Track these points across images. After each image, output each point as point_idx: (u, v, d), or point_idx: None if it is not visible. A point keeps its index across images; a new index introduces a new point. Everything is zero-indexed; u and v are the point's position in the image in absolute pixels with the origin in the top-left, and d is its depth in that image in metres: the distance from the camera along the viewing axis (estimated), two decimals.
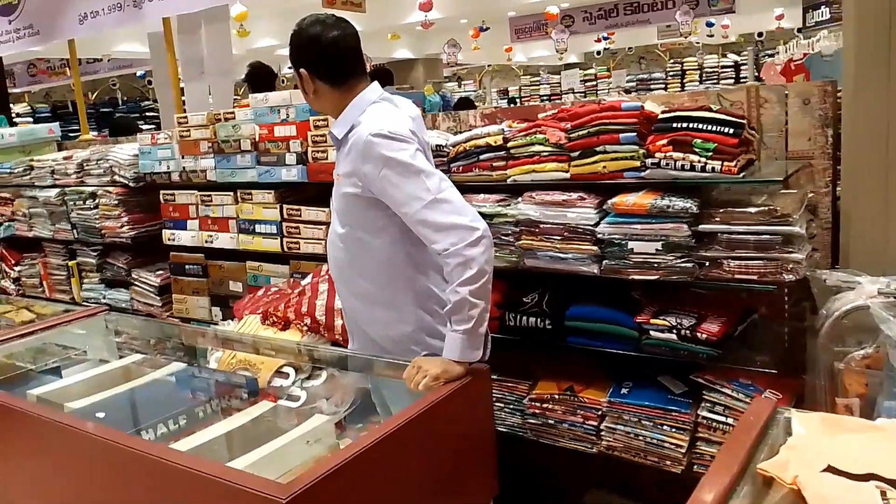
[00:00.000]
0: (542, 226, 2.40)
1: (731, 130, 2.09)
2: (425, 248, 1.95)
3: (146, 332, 2.91)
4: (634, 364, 2.47)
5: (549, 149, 2.41)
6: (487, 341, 2.05)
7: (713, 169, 2.11)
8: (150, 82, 13.38)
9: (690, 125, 2.14)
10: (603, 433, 2.45)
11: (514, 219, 2.47)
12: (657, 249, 2.21)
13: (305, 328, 2.69)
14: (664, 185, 2.25)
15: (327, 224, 3.00)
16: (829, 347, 2.07)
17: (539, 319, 2.52)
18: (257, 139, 3.15)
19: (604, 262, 2.32)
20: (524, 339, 2.54)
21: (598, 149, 2.31)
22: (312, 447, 1.79)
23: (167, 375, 2.17)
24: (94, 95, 12.65)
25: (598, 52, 15.62)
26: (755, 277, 2.10)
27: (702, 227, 2.15)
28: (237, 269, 3.44)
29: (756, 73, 13.49)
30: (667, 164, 2.18)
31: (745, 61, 14.73)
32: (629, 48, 15.64)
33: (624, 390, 2.43)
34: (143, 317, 3.72)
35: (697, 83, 14.70)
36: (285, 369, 2.64)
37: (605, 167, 2.31)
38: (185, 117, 3.41)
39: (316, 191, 3.28)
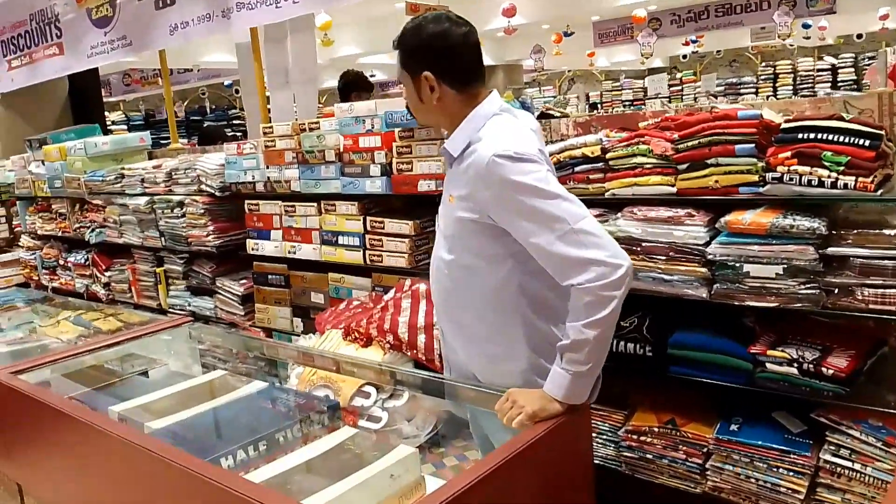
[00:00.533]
0: (644, 244, 2.22)
1: (867, 142, 1.86)
2: (543, 282, 1.75)
3: (229, 343, 2.88)
4: (744, 398, 2.25)
5: (652, 161, 2.23)
6: (597, 385, 1.87)
7: (845, 185, 1.88)
8: (237, 91, 13.78)
9: (819, 136, 1.92)
10: (708, 472, 2.24)
11: (613, 236, 2.28)
12: (777, 274, 2.00)
13: (388, 345, 2.59)
14: (785, 203, 2.03)
15: (411, 237, 2.91)
16: None
17: (639, 345, 2.33)
18: (342, 150, 3.07)
19: (714, 285, 2.12)
20: (620, 365, 2.35)
21: (709, 161, 2.11)
22: (397, 481, 1.67)
23: (249, 394, 2.09)
24: (185, 104, 13.09)
25: (685, 56, 15.09)
26: (893, 308, 1.86)
27: (830, 249, 1.93)
28: (319, 280, 3.38)
29: (855, 78, 12.75)
30: (790, 180, 1.96)
31: (842, 64, 13.92)
32: (717, 51, 15.04)
33: (734, 427, 2.21)
34: (226, 327, 3.71)
35: (790, 87, 14.00)
36: (367, 388, 2.55)
37: (717, 181, 2.10)
38: (271, 127, 3.38)
39: (400, 203, 3.19)
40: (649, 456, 2.34)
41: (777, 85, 14.08)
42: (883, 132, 1.87)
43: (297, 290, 3.49)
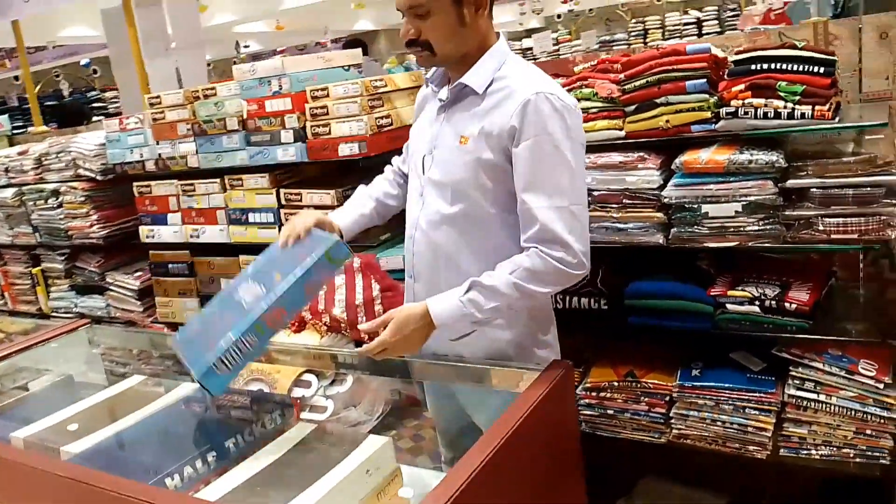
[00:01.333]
0: (595, 193, 2.10)
1: (822, 69, 1.82)
2: None
3: (136, 344, 2.55)
4: (701, 343, 2.21)
5: (598, 104, 2.11)
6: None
7: (803, 115, 1.83)
8: (95, 71, 12.65)
9: (773, 66, 1.86)
10: (673, 421, 2.18)
11: None
12: (737, 212, 1.94)
13: (325, 328, 2.37)
14: (739, 139, 1.96)
15: (332, 207, 2.67)
16: None
17: (594, 299, 2.23)
18: (245, 116, 2.77)
19: (671, 230, 2.04)
20: (575, 321, 2.25)
21: (658, 101, 2.01)
22: (373, 476, 1.48)
23: (178, 399, 1.82)
24: (38, 88, 11.88)
25: (559, 16, 15.30)
26: (855, 236, 1.84)
27: (790, 182, 1.88)
28: (229, 264, 3.07)
29: (720, 30, 13.35)
30: (745, 113, 1.89)
31: (706, 17, 14.55)
32: (590, 10, 15.34)
33: (695, 372, 2.16)
34: (125, 326, 3.33)
35: (661, 41, 14.50)
36: (306, 377, 2.33)
37: (668, 121, 2.01)
38: (158, 97, 3.01)
39: (317, 171, 2.93)
40: (610, 411, 2.26)
41: (647, 40, 14.54)
42: (835, 58, 1.83)
43: (204, 278, 3.17)
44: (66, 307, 3.66)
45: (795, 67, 1.83)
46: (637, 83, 2.03)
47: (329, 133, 2.59)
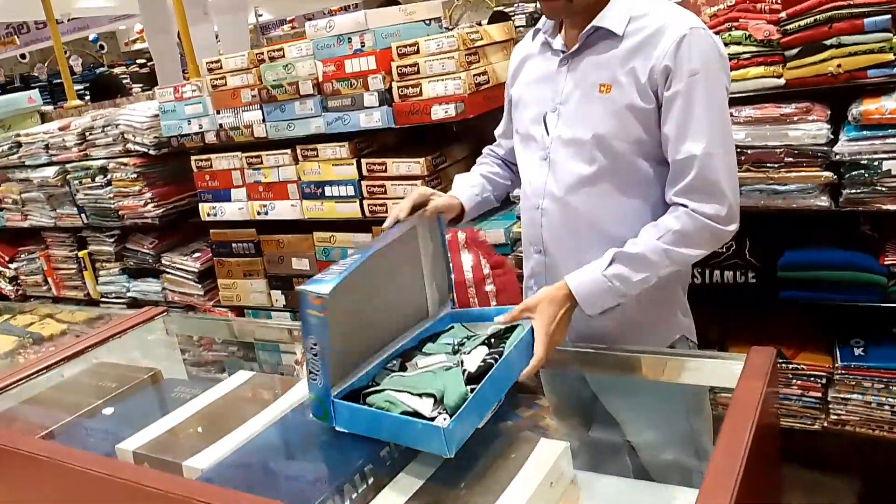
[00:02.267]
0: (749, 152, 1.85)
1: None
2: None
3: (224, 333, 2.32)
4: (853, 319, 1.98)
5: (751, 48, 1.84)
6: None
7: None
8: (102, 47, 12.33)
9: None
10: (831, 405, 1.96)
11: None
12: None
13: None
14: None
15: (423, 178, 2.43)
16: None
17: (740, 272, 1.99)
18: (321, 79, 2.51)
19: (843, 191, 1.79)
20: (718, 298, 2.02)
21: (828, 42, 1.75)
22: (556, 489, 1.26)
23: (300, 401, 1.59)
24: (46, 65, 11.57)
25: None
26: None
27: None
28: (301, 242, 2.84)
29: None
30: None
31: None
32: None
33: (858, 351, 1.93)
34: (182, 311, 3.11)
35: None
36: None
37: (839, 66, 1.75)
38: (218, 61, 2.75)
39: (399, 138, 2.68)
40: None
41: None
42: None
43: (273, 258, 2.94)
44: (117, 292, 3.44)
45: None
46: (802, 22, 1.77)
47: (420, 94, 2.33)
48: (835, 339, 1.99)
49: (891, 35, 1.69)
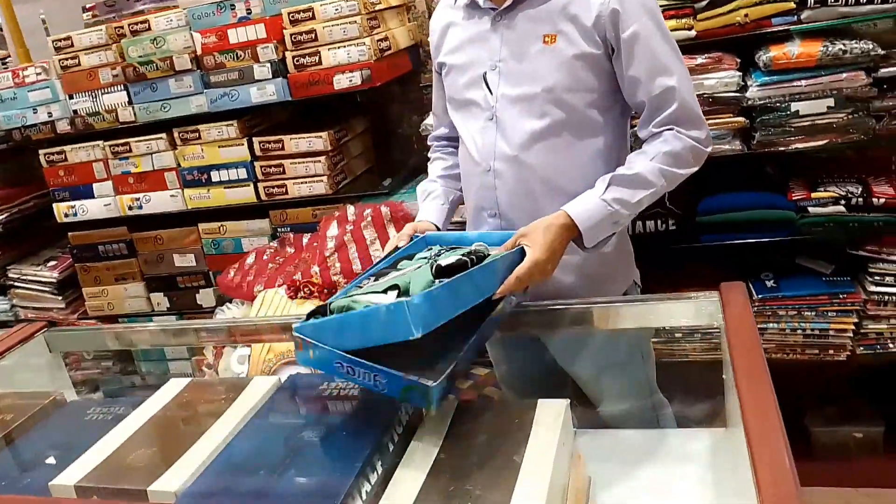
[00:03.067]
0: None
1: None
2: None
3: (114, 343, 2.03)
4: (759, 255, 2.13)
5: (663, 2, 1.89)
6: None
7: None
8: None
9: None
10: None
11: None
12: (829, 107, 1.83)
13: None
14: (820, 32, 1.85)
15: (327, 154, 2.29)
16: None
17: (660, 221, 2.06)
18: (200, 52, 2.26)
19: (756, 134, 1.90)
20: (639, 248, 2.08)
21: None
22: (567, 447, 1.22)
23: (266, 400, 1.41)
24: None
25: None
26: None
27: (882, 71, 1.80)
28: (183, 236, 2.56)
29: None
30: (836, 0, 1.77)
31: None
32: None
33: (769, 283, 2.08)
34: (87, 328, 2.71)
35: None
36: None
37: (746, 15, 1.85)
38: (68, 38, 2.38)
39: (293, 112, 2.50)
40: (678, 334, 2.15)
41: None
42: None
43: (150, 257, 2.63)
44: None
45: None
46: None
47: (319, 63, 2.17)
48: (744, 276, 2.13)
49: None
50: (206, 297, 2.60)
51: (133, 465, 1.23)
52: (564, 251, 1.32)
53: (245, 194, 2.39)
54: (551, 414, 1.22)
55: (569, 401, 1.25)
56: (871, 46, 1.76)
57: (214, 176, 2.41)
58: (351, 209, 2.15)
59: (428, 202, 1.59)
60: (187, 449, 1.22)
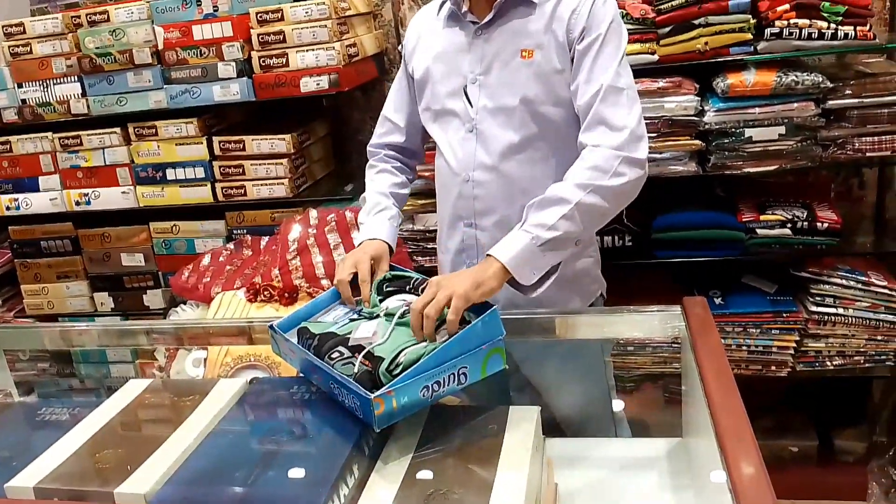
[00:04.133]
0: None
1: None
2: None
3: (55, 342, 1.95)
4: (708, 273, 2.22)
5: (628, 26, 1.95)
6: (545, 281, 1.38)
7: (846, 35, 1.85)
8: None
9: None
10: None
11: None
12: (780, 135, 1.93)
13: None
14: (775, 63, 1.95)
15: (289, 157, 2.27)
16: None
17: (618, 237, 2.12)
18: (161, 47, 2.21)
19: (711, 157, 1.98)
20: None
21: (697, 21, 1.92)
22: (539, 453, 1.25)
23: (234, 400, 1.38)
24: None
25: None
26: (889, 153, 1.92)
27: (830, 103, 1.91)
28: (133, 234, 2.49)
29: None
30: (790, 34, 1.87)
31: None
32: None
33: (717, 300, 2.17)
34: (28, 325, 2.59)
35: None
36: None
37: (706, 44, 1.93)
38: (21, 24, 2.29)
39: (250, 114, 2.47)
40: (630, 348, 2.21)
41: None
42: None
43: (96, 255, 2.54)
44: None
45: None
46: (674, 2, 1.92)
47: (286, 65, 2.15)
48: (693, 292, 2.21)
49: (749, 17, 1.90)
50: (153, 299, 2.53)
51: (96, 466, 1.18)
52: (488, 275, 1.23)
53: (201, 194, 2.35)
54: (523, 420, 1.24)
55: (539, 408, 1.27)
56: (820, 79, 1.87)
57: (170, 174, 2.35)
58: (313, 213, 2.13)
59: (380, 217, 1.53)
60: (154, 451, 1.18)
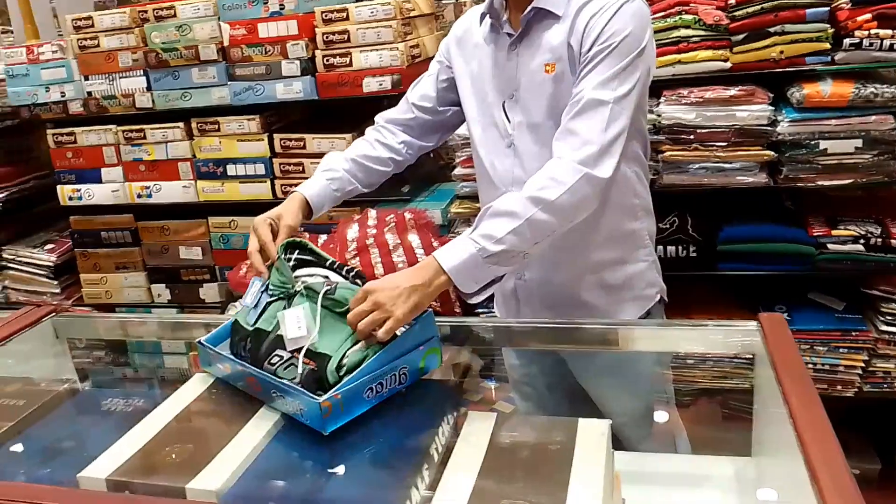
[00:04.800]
0: (699, 131, 1.93)
1: None
2: (642, 155, 1.45)
3: (134, 332, 1.98)
4: (772, 287, 2.16)
5: (700, 32, 1.92)
6: (485, 291, 1.33)
7: None
8: None
9: None
10: None
11: (651, 124, 1.97)
12: (857, 148, 1.87)
13: None
14: (853, 74, 1.89)
15: None
16: None
17: (681, 247, 2.08)
18: (227, 43, 2.23)
19: (783, 169, 1.93)
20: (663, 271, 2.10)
21: (773, 29, 1.87)
22: (609, 468, 1.22)
23: (293, 421, 1.36)
24: None
25: None
26: None
27: None
28: (192, 228, 2.52)
29: None
30: (870, 45, 1.81)
31: None
32: None
33: (783, 316, 2.10)
34: (93, 315, 2.64)
35: None
36: None
37: (781, 52, 1.88)
38: (89, 18, 2.33)
39: (308, 113, 2.48)
40: (690, 361, 2.16)
41: None
42: None
43: (154, 248, 2.58)
44: None
45: None
46: (749, 9, 1.87)
47: (350, 65, 2.16)
48: (758, 306, 2.16)
49: (827, 26, 1.85)
50: (209, 293, 2.56)
51: (167, 460, 1.18)
52: (429, 292, 1.20)
53: (261, 190, 2.36)
54: (594, 433, 1.21)
55: (610, 421, 1.24)
56: None
57: (231, 170, 2.37)
58: (372, 213, 2.13)
59: (321, 178, 1.51)
60: (224, 446, 1.18)
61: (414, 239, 2.04)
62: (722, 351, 1.99)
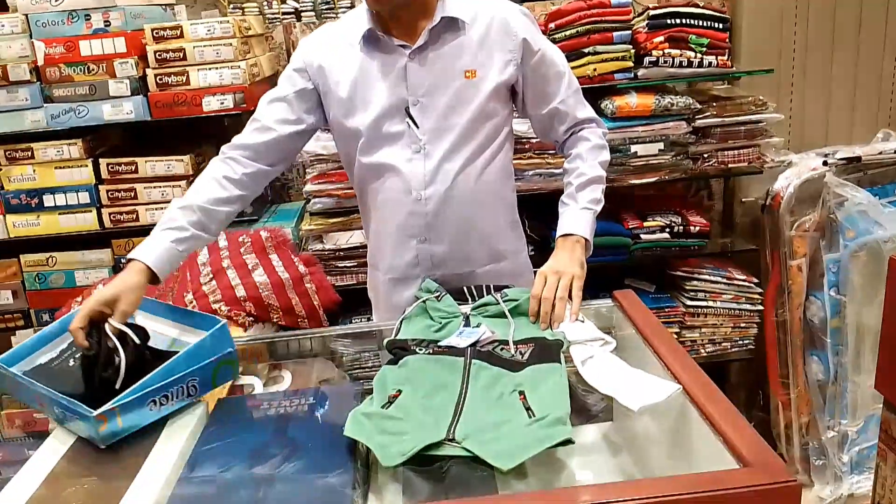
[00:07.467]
0: (533, 141, 2.14)
1: (721, 25, 2.16)
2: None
3: None
4: (589, 278, 2.43)
5: None
6: None
7: (710, 64, 2.15)
8: None
9: (684, 21, 2.14)
10: None
11: None
12: (660, 150, 2.19)
13: (249, 318, 1.94)
14: (652, 87, 2.21)
15: (187, 178, 2.19)
16: (787, 219, 2.37)
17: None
18: (41, 62, 2.04)
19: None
20: None
21: (587, 50, 2.14)
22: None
23: (202, 445, 1.28)
24: None
25: None
26: (745, 164, 2.25)
27: (699, 121, 2.20)
28: (0, 269, 2.24)
29: None
30: (665, 62, 2.14)
31: None
32: None
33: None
34: None
35: None
36: (246, 380, 1.89)
37: (595, 70, 2.15)
38: None
39: (117, 137, 2.34)
40: None
41: None
42: (728, 16, 2.20)
43: None
44: None
45: (700, 23, 2.14)
46: (567, 33, 2.12)
47: (187, 83, 2.08)
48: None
49: (630, 47, 2.15)
50: (23, 340, 2.27)
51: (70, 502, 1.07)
52: (580, 253, 1.48)
53: (85, 221, 2.18)
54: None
55: None
56: (690, 101, 2.16)
57: (48, 200, 2.16)
58: (222, 235, 2.06)
59: (164, 241, 1.33)
60: (131, 483, 1.09)
61: (274, 257, 2.02)
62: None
